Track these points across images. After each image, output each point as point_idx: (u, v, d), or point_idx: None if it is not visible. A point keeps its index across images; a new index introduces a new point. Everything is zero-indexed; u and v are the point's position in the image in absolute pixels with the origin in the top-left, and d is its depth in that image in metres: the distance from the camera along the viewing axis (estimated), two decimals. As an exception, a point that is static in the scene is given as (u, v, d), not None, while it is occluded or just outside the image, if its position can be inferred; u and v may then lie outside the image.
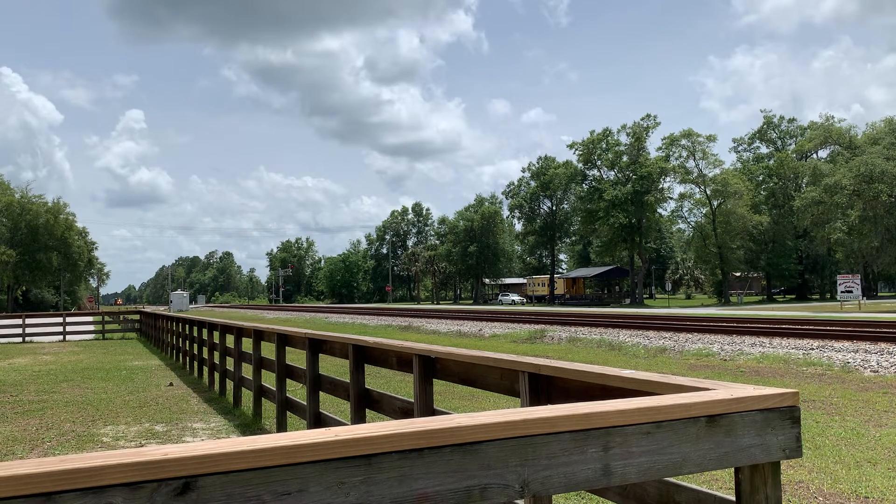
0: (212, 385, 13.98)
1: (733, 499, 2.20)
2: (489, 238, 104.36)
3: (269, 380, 10.28)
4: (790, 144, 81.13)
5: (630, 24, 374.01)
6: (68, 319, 34.40)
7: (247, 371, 11.37)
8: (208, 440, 4.94)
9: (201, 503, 1.48)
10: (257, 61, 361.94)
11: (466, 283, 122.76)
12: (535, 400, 3.41)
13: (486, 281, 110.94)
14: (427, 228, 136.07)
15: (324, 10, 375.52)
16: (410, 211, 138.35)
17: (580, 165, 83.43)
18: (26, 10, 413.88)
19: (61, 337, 31.75)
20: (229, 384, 12.49)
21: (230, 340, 12.57)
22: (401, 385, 12.23)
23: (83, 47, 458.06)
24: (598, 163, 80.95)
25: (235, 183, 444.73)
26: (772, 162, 78.68)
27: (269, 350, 10.10)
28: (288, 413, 9.03)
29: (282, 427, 8.90)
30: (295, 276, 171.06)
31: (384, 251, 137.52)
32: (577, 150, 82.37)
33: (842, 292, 47.32)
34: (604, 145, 80.00)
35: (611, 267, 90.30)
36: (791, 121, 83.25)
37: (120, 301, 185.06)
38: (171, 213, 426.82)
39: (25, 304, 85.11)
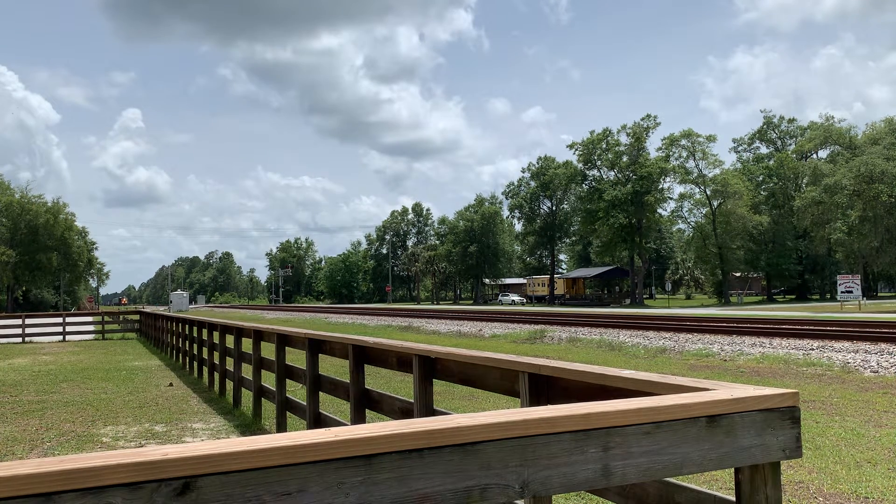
0: (211, 385, 13.98)
1: (733, 499, 2.20)
2: (489, 238, 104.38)
3: (268, 380, 10.28)
4: (790, 144, 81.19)
5: (630, 22, 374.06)
6: (68, 320, 34.40)
7: (247, 371, 11.37)
8: (208, 440, 4.95)
9: (201, 503, 1.48)
10: (255, 59, 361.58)
11: (466, 284, 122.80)
12: (535, 400, 3.41)
13: (486, 281, 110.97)
14: (427, 228, 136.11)
15: (322, 8, 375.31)
16: (410, 211, 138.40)
17: (580, 165, 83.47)
18: (20, 6, 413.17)
19: (61, 337, 31.76)
20: (229, 384, 12.49)
21: (230, 341, 12.57)
22: (401, 385, 12.23)
23: (79, 45, 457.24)
24: (598, 163, 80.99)
25: (234, 182, 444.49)
26: (772, 162, 78.72)
27: (268, 350, 10.10)
28: (288, 413, 9.03)
29: (282, 427, 8.90)
30: (295, 276, 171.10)
31: (384, 251, 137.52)
32: (576, 150, 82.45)
33: (842, 292, 47.31)
34: (604, 145, 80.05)
35: (611, 267, 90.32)
36: (791, 121, 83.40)
37: (125, 300, 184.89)
38: (170, 212, 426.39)
39: (25, 304, 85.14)
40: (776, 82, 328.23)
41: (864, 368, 14.29)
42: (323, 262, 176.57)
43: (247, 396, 11.43)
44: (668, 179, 76.79)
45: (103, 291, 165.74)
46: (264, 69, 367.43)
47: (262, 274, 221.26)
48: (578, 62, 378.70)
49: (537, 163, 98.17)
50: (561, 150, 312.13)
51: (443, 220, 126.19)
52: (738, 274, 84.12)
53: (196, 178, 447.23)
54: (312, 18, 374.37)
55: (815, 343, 17.94)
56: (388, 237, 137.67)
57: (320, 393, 7.71)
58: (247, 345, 11.45)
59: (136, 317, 35.65)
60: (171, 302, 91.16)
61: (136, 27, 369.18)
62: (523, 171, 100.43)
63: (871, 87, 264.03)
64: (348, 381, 6.44)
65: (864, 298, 49.99)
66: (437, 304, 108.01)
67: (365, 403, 6.24)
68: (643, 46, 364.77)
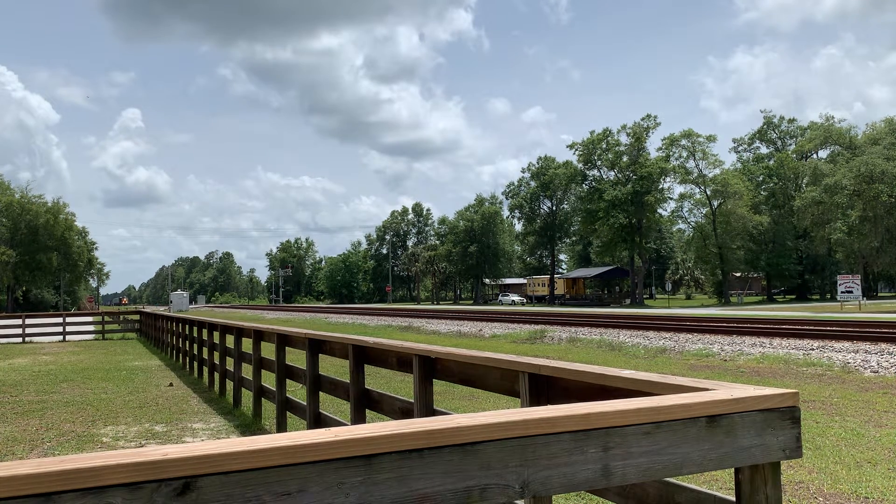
0: (212, 385, 13.98)
1: (733, 499, 2.20)
2: (489, 238, 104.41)
3: (269, 380, 10.28)
4: (790, 144, 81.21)
5: (630, 22, 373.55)
6: (68, 320, 34.41)
7: (247, 371, 11.37)
8: (208, 440, 4.95)
9: (201, 503, 1.48)
10: (255, 59, 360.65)
11: (466, 284, 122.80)
12: (535, 400, 3.41)
13: (487, 281, 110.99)
14: (427, 228, 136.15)
15: (322, 8, 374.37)
16: (410, 211, 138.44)
17: (580, 165, 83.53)
18: (20, 6, 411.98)
19: (61, 337, 31.76)
20: (229, 384, 12.50)
21: (230, 341, 12.57)
22: (401, 385, 12.24)
23: (79, 45, 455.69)
24: (598, 163, 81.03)
25: (234, 182, 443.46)
26: (772, 162, 78.75)
27: (269, 350, 10.11)
28: (288, 413, 9.03)
29: (282, 427, 8.90)
30: (295, 276, 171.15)
31: (384, 251, 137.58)
32: (577, 150, 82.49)
33: (842, 292, 47.31)
34: (604, 145, 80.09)
35: (611, 267, 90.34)
36: (791, 121, 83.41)
37: (125, 300, 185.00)
38: (170, 212, 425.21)
39: (25, 304, 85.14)
40: (776, 82, 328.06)
41: (864, 368, 14.29)
42: (323, 262, 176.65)
43: (247, 396, 11.43)
44: (668, 179, 76.87)
45: (103, 291, 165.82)
46: (264, 69, 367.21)
47: (262, 274, 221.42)
48: (578, 62, 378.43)
49: (537, 163, 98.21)
50: (561, 150, 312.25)
51: (443, 220, 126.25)
52: (738, 274, 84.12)
53: (196, 178, 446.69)
54: (312, 18, 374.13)
55: (815, 343, 17.95)
56: (388, 237, 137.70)
57: (320, 393, 7.71)
58: (247, 345, 11.45)
59: (136, 317, 35.65)
60: (171, 302, 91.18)
61: (135, 27, 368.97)
62: (523, 171, 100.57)
63: (871, 87, 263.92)
64: (348, 381, 6.44)
65: (864, 298, 49.99)
66: (437, 304, 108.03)
67: (365, 403, 6.24)
68: (643, 46, 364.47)
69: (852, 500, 5.87)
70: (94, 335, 33.12)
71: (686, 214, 78.63)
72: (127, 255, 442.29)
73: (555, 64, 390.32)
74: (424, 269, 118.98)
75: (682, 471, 2.02)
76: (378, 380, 12.77)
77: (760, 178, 78.81)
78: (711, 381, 2.44)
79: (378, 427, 1.73)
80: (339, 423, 6.75)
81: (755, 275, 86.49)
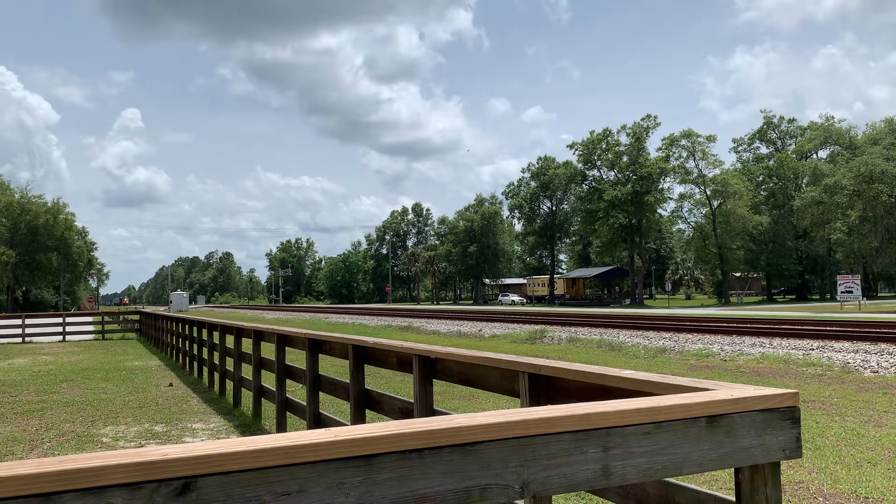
0: (211, 385, 13.98)
1: (733, 499, 2.20)
2: (489, 238, 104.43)
3: (268, 380, 10.28)
4: (790, 145, 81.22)
5: (630, 22, 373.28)
6: (68, 320, 34.41)
7: (247, 371, 11.37)
8: (208, 440, 4.94)
9: (201, 503, 1.48)
10: (255, 59, 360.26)
11: (466, 284, 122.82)
12: (535, 400, 3.41)
13: (487, 281, 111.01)
14: (427, 228, 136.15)
15: (322, 7, 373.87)
16: (410, 211, 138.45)
17: (580, 166, 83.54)
18: (20, 6, 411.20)
19: (61, 337, 31.76)
20: (229, 384, 12.49)
21: (230, 341, 12.57)
22: (401, 385, 12.24)
23: (78, 44, 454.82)
24: (598, 163, 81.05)
25: (233, 182, 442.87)
26: (772, 162, 78.75)
27: (268, 350, 10.11)
28: (288, 413, 9.03)
29: (282, 427, 8.90)
30: (295, 276, 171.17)
31: (384, 251, 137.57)
32: (576, 150, 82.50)
33: (842, 293, 47.32)
34: (604, 145, 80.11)
35: (611, 267, 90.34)
36: (791, 121, 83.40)
37: (126, 300, 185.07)
38: (169, 213, 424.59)
39: (25, 305, 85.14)
40: (776, 82, 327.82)
41: (864, 368, 14.30)
42: (323, 263, 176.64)
43: (247, 396, 11.43)
44: (668, 179, 76.89)
45: (103, 291, 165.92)
46: (264, 69, 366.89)
47: (262, 274, 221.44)
48: (578, 62, 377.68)
49: (537, 163, 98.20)
50: (561, 150, 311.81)
51: (443, 220, 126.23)
52: (738, 274, 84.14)
53: (196, 178, 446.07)
54: (312, 18, 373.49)
55: (815, 343, 17.95)
56: (388, 237, 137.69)
57: (320, 393, 7.71)
58: (247, 345, 11.45)
59: (136, 317, 35.65)
60: (170, 302, 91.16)
61: (135, 27, 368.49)
62: (523, 172, 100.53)
63: (871, 87, 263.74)
64: (348, 381, 6.44)
65: (864, 298, 49.99)
66: (437, 304, 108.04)
67: (365, 403, 6.24)
68: (643, 46, 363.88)
69: (852, 500, 5.87)
70: (93, 335, 33.11)
71: (686, 214, 78.71)
72: (127, 255, 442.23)
73: (555, 64, 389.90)
74: (424, 269, 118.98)
75: (682, 471, 2.02)
76: (378, 380, 12.77)
77: (760, 178, 78.81)
78: (711, 381, 2.44)
79: (378, 427, 1.73)
80: (339, 424, 6.75)
81: (755, 275, 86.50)
